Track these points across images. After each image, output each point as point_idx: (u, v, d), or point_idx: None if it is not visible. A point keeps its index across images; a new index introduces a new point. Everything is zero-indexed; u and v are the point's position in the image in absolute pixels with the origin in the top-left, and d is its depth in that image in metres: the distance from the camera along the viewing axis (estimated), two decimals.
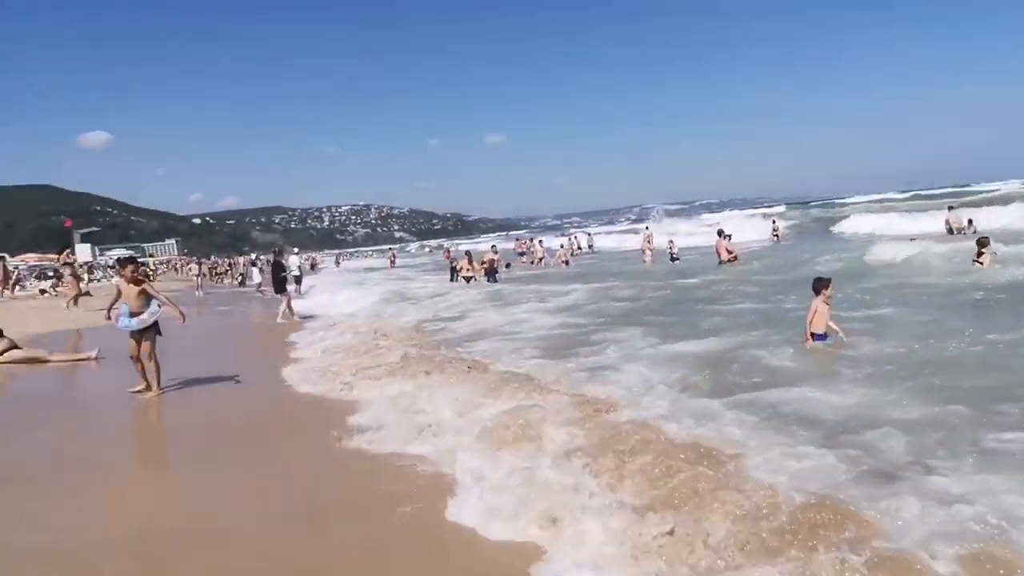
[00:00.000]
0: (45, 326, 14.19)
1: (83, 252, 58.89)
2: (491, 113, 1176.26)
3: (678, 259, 23.11)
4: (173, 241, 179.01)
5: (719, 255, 18.76)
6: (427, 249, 58.41)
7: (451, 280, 21.02)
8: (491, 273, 20.15)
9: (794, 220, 46.31)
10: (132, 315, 7.19)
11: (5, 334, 9.99)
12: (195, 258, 51.89)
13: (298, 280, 23.99)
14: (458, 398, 5.62)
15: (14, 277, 29.64)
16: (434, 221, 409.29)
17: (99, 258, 65.98)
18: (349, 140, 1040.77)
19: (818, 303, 6.84)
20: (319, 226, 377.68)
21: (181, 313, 7.70)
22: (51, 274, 35.02)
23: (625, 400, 5.18)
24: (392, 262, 52.16)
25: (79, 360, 9.91)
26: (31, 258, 49.51)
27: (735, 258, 18.70)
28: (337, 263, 57.06)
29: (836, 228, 37.85)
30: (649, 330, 8.73)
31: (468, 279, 20.00)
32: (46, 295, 26.52)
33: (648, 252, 24.82)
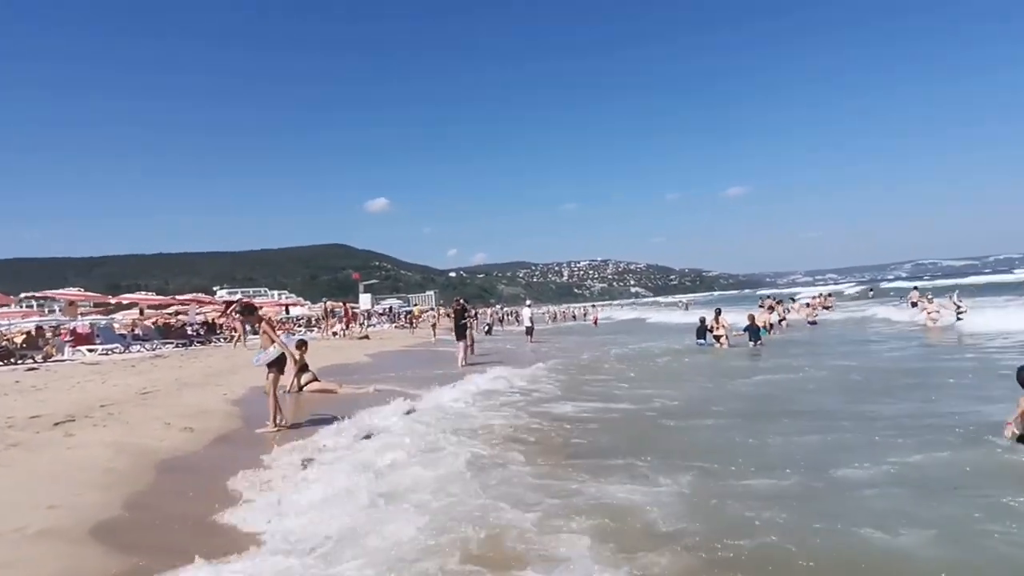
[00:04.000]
0: (337, 360, 16.85)
1: (365, 301, 69.00)
2: (733, 165, 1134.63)
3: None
4: (431, 293, 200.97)
5: None
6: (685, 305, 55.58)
7: (699, 340, 18.71)
8: (754, 332, 17.96)
9: None
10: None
11: (310, 368, 11.93)
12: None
13: (529, 331, 25.56)
14: None
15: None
16: (671, 277, 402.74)
17: (375, 307, 76.61)
18: (588, 197, 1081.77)
19: None
20: (558, 280, 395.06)
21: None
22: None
23: None
24: (595, 320, 49.95)
25: (361, 392, 11.34)
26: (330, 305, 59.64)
27: None
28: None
29: None
30: None
31: (718, 338, 18.12)
32: (337, 336, 31.47)
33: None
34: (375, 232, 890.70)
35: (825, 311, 31.45)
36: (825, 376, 11.42)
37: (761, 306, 26.23)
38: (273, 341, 8.00)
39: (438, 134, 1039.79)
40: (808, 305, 32.27)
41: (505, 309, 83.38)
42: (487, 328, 36.58)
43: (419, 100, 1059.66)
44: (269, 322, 8.27)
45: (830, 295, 39.84)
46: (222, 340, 28.48)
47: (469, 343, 19.05)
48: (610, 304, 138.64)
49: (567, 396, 10.27)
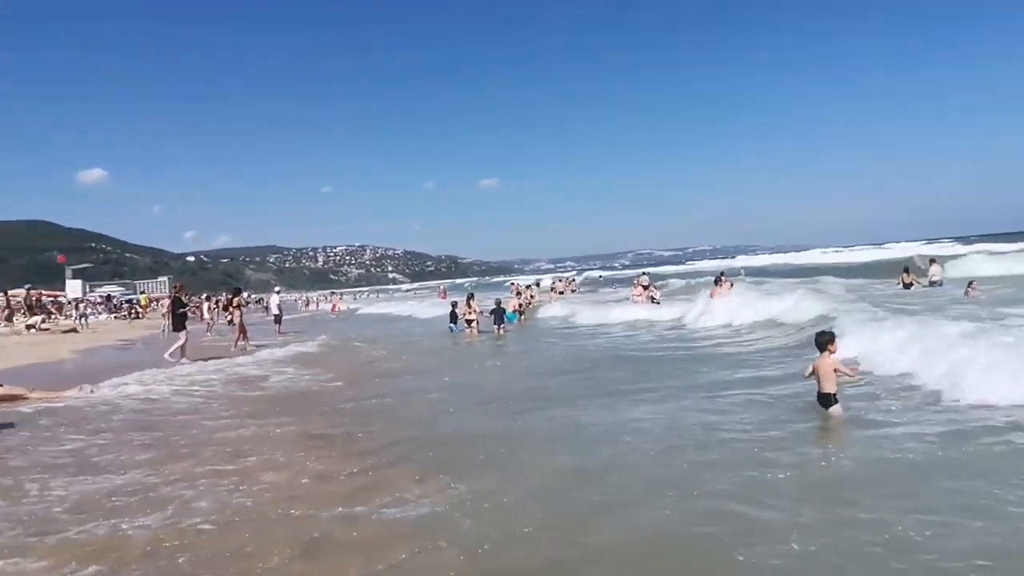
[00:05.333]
0: (31, 359, 14.05)
1: (74, 288, 58.38)
2: (484, 158, 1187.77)
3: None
4: (165, 279, 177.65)
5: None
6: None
7: (451, 325, 18.95)
8: (499, 316, 18.46)
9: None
10: None
11: None
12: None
13: (278, 319, 23.94)
14: None
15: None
16: (428, 263, 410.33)
17: (89, 294, 65.36)
18: (345, 181, 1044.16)
19: (824, 361, 6.15)
20: (313, 266, 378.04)
21: None
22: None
23: None
24: (335, 308, 46.78)
25: (58, 396, 9.60)
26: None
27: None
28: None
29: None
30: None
31: (470, 323, 18.54)
32: (32, 330, 26.31)
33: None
34: (90, 209, 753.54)
35: (560, 295, 34.60)
36: (577, 354, 12.47)
37: (512, 292, 27.96)
38: None
39: (166, 102, 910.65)
40: (553, 289, 35.26)
41: (253, 296, 77.25)
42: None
43: (146, 69, 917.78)
44: None
45: (573, 280, 44.16)
46: None
47: (238, 332, 17.65)
48: (366, 290, 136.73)
49: (311, 389, 9.94)
